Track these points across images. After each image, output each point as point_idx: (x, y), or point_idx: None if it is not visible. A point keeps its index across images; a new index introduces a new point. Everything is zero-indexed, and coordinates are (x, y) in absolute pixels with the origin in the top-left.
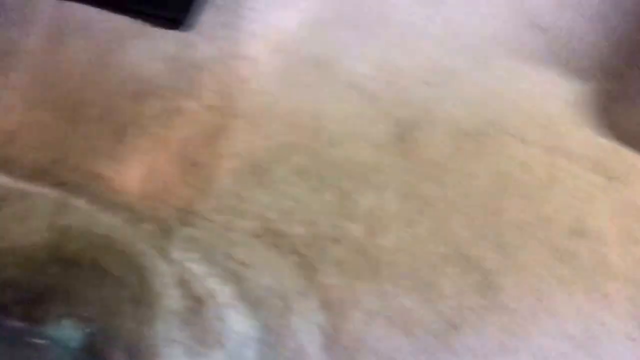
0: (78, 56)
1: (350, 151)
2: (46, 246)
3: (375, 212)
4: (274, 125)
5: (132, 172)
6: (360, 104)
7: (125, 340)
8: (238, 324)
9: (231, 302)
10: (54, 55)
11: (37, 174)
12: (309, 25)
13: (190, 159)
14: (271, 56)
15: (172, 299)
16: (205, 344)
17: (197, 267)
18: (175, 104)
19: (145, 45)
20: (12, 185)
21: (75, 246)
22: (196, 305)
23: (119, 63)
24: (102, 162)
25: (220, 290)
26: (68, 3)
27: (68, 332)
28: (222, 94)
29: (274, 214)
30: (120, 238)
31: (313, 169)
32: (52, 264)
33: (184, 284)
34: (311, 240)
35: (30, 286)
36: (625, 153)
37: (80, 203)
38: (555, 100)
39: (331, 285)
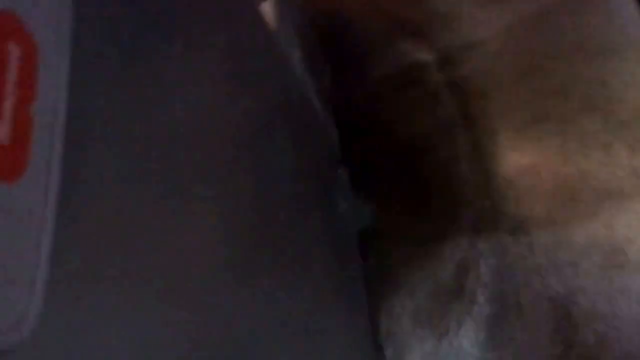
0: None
1: None
2: (412, 138)
3: None
4: None
5: (527, 151)
6: None
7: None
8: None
9: (477, 328)
10: None
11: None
12: None
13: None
14: None
15: (443, 270)
16: (435, 327)
17: (486, 273)
18: None
19: None
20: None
21: (427, 163)
22: (454, 295)
23: None
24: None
25: (478, 310)
26: None
27: (362, 210)
28: None
29: (584, 300)
30: (463, 190)
31: None
32: (405, 153)
33: (462, 271)
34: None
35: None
36: None
37: (461, 139)
38: None
39: None
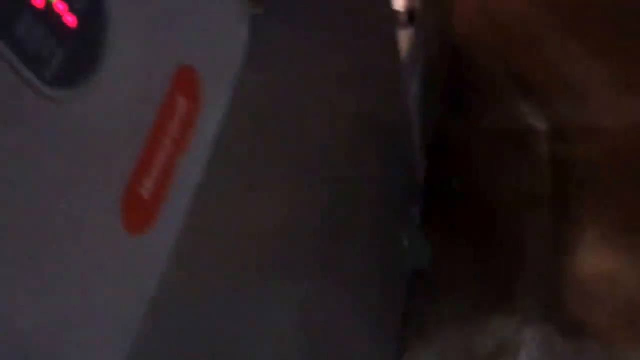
0: None
1: None
2: (498, 199)
3: None
4: None
5: (609, 258)
6: None
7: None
8: None
9: None
10: None
11: None
12: None
13: None
14: None
15: (481, 342)
16: None
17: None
18: None
19: None
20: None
21: (503, 230)
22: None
23: None
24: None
25: None
26: None
27: (423, 251)
28: None
29: None
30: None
31: None
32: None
33: (501, 351)
34: None
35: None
36: None
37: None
38: None
39: None
